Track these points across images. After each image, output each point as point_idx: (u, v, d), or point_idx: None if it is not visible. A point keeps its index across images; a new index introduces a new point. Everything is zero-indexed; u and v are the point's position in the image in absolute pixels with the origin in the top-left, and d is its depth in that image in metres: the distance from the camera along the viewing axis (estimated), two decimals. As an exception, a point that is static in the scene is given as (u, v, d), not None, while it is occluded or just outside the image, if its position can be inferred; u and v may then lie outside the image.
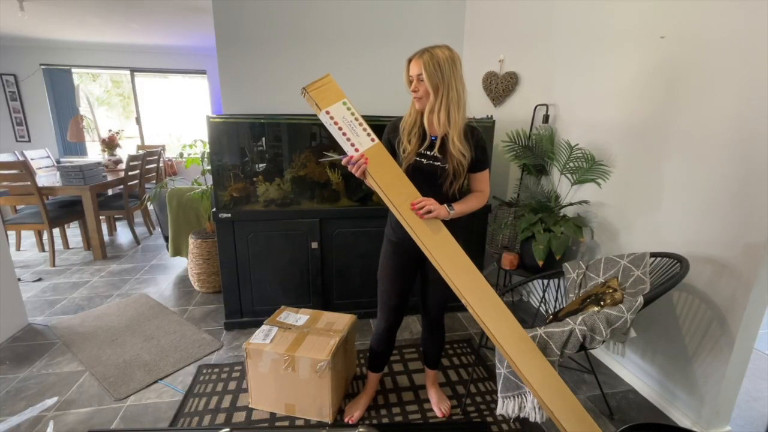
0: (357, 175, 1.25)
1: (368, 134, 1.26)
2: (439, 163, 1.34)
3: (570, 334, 1.39)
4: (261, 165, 2.31)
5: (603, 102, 2.03)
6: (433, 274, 1.39)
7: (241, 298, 2.33)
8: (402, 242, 1.44)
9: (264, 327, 1.74)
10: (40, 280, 3.08)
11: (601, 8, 2.00)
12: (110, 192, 4.39)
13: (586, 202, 2.15)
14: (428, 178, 1.35)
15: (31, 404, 1.73)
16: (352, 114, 1.25)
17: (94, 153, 5.71)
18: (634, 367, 1.91)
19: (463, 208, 1.37)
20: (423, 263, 1.47)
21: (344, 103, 1.24)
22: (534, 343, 1.31)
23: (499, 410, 1.45)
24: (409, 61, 1.30)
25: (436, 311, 1.61)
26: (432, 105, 1.28)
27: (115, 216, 4.39)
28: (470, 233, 2.51)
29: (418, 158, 1.35)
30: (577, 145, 2.10)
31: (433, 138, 1.36)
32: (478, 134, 1.39)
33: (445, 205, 1.33)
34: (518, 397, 1.45)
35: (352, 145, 1.23)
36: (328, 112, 1.22)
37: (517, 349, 1.26)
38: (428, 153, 1.35)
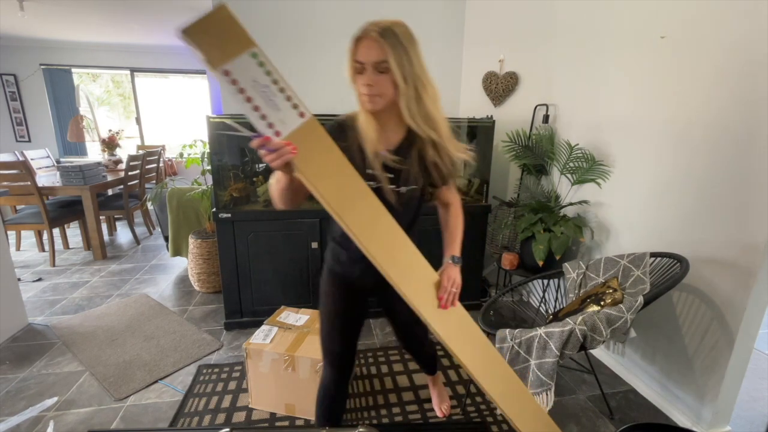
0: (274, 167, 0.82)
1: (294, 106, 0.86)
2: (393, 186, 1.02)
3: (570, 334, 1.39)
4: (261, 165, 2.31)
5: (603, 102, 2.03)
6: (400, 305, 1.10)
7: (241, 298, 2.33)
8: (346, 275, 1.16)
9: (264, 327, 1.74)
10: (40, 280, 3.08)
11: (601, 8, 2.00)
12: (110, 192, 4.39)
13: (586, 202, 2.15)
14: (386, 206, 1.00)
15: (31, 404, 1.73)
16: (268, 74, 0.82)
17: (94, 153, 5.70)
18: (634, 367, 1.91)
19: (459, 243, 1.15)
20: (380, 293, 1.21)
21: (253, 56, 0.81)
22: (497, 352, 1.18)
23: (500, 410, 1.45)
24: (357, 41, 0.95)
25: (412, 333, 1.39)
26: (408, 103, 0.95)
27: (115, 216, 4.39)
28: (470, 233, 2.50)
29: (370, 181, 1.01)
30: (577, 145, 2.10)
31: (383, 153, 1.02)
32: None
33: (450, 262, 1.10)
34: (518, 397, 1.45)
35: (270, 125, 0.82)
36: (227, 73, 0.78)
37: (474, 357, 1.11)
38: (376, 173, 1.02)
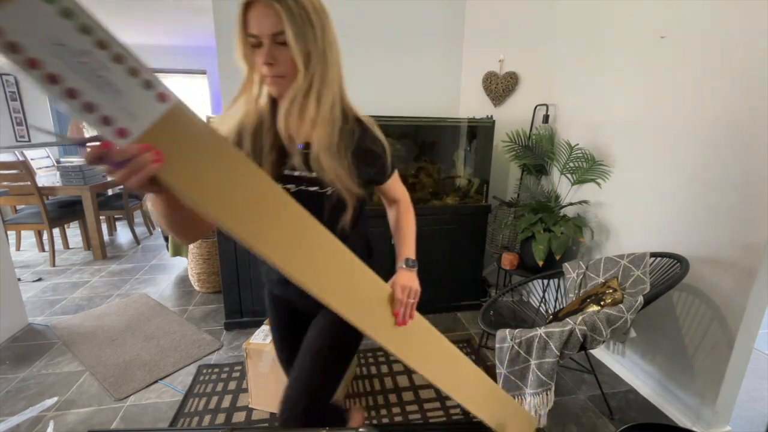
0: (130, 187, 0.53)
1: (147, 84, 0.53)
2: (316, 188, 0.84)
3: (570, 334, 1.39)
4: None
5: (603, 102, 2.03)
6: (316, 339, 0.94)
7: (241, 298, 2.33)
8: (284, 296, 1.02)
9: (264, 327, 1.74)
10: (40, 280, 3.08)
11: (601, 8, 2.01)
12: (110, 192, 4.39)
13: (586, 202, 2.15)
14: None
15: (31, 404, 1.73)
16: (86, 31, 0.49)
17: (94, 153, 5.70)
18: (634, 367, 1.91)
19: (413, 244, 0.99)
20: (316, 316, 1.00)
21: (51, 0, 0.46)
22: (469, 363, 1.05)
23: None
24: (247, 7, 0.73)
25: (304, 368, 0.93)
26: (298, 89, 0.76)
27: (115, 216, 4.39)
28: (470, 233, 2.51)
29: (281, 185, 0.79)
30: (577, 145, 2.10)
31: (300, 146, 0.84)
32: (371, 130, 0.91)
33: (403, 267, 0.93)
34: (518, 398, 1.46)
35: (105, 119, 0.50)
36: None
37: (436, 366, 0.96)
38: (295, 173, 0.84)
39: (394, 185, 1.02)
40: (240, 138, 0.84)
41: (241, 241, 0.63)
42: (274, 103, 0.83)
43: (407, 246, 0.98)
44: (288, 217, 0.68)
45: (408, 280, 0.89)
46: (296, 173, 0.84)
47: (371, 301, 0.82)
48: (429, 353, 0.95)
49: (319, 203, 0.84)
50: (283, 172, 0.84)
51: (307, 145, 0.83)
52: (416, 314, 0.89)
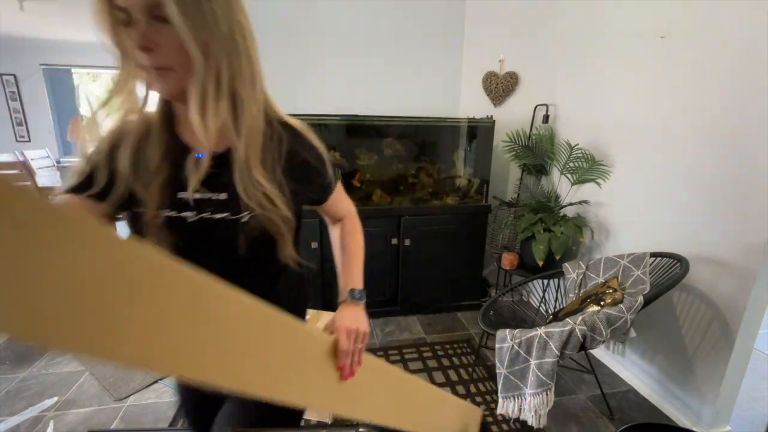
0: None
1: None
2: (226, 213, 0.63)
3: (570, 334, 1.39)
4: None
5: (603, 102, 2.03)
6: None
7: (241, 298, 2.32)
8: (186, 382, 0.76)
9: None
10: (40, 280, 3.08)
11: (601, 8, 2.01)
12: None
13: (586, 202, 2.15)
14: (214, 251, 0.63)
15: (31, 404, 1.73)
16: None
17: (94, 153, 5.70)
18: (634, 367, 1.91)
19: (360, 271, 0.80)
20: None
21: None
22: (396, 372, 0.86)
23: (499, 410, 1.45)
24: None
25: None
26: (204, 87, 0.55)
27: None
28: (470, 233, 2.51)
29: (174, 212, 0.62)
30: (577, 145, 2.10)
31: (198, 155, 0.60)
32: (304, 137, 0.70)
33: (348, 300, 0.74)
34: (518, 398, 1.46)
35: None
36: None
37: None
38: (196, 196, 0.61)
39: (338, 200, 0.82)
40: (112, 155, 0.60)
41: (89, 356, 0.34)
42: (165, 104, 0.62)
43: (353, 274, 0.78)
44: (166, 286, 0.38)
45: (353, 319, 0.69)
46: (197, 196, 0.61)
47: (308, 369, 0.60)
48: (381, 396, 0.78)
49: (231, 235, 0.62)
50: (176, 197, 0.61)
51: (214, 156, 0.60)
52: (364, 355, 0.69)
